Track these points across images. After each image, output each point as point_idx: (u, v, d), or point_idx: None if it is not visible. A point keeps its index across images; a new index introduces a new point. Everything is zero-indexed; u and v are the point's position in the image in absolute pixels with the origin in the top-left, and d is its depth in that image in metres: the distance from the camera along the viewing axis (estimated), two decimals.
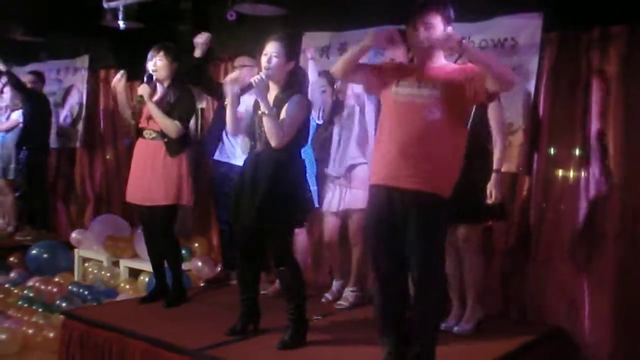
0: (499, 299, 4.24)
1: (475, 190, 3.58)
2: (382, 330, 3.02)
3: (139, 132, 4.22)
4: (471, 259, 3.73)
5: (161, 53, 4.13)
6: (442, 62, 2.95)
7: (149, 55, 4.16)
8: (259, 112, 3.28)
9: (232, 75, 4.31)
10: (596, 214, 3.93)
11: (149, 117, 4.13)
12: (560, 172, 4.10)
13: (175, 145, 4.13)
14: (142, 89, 4.08)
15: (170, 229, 4.26)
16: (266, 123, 3.23)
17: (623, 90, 3.82)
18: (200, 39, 4.24)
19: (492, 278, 4.23)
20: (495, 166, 3.62)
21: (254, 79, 3.24)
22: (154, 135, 4.14)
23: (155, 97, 4.13)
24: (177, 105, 4.12)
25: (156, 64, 4.11)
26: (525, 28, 4.13)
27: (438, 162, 2.82)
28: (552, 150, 4.12)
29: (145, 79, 4.10)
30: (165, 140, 4.11)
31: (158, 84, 4.17)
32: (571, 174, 4.05)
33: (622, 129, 3.83)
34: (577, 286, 3.98)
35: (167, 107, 4.10)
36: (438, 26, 2.84)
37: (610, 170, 3.87)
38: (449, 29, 2.87)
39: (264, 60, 3.30)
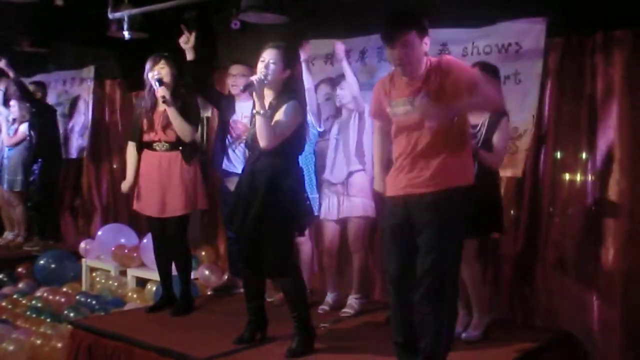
0: (507, 305, 4.23)
1: (489, 205, 3.55)
2: (395, 330, 3.03)
3: (147, 145, 4.18)
4: (468, 271, 3.62)
5: (162, 61, 4.12)
6: (423, 68, 2.92)
7: (148, 66, 4.14)
8: (253, 111, 3.27)
9: None
10: (604, 218, 3.91)
11: (163, 127, 4.10)
12: (566, 176, 4.09)
13: (189, 152, 4.17)
14: (163, 91, 4.04)
15: (185, 237, 4.28)
16: (258, 123, 3.22)
17: (628, 93, 3.82)
18: (183, 41, 4.10)
19: (500, 283, 4.23)
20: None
21: (255, 78, 3.23)
22: (166, 146, 4.14)
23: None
24: (185, 110, 4.10)
25: (160, 72, 4.10)
26: (529, 33, 4.14)
27: (446, 161, 2.90)
28: (558, 155, 4.11)
29: (157, 84, 4.06)
30: (180, 148, 4.12)
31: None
32: (578, 177, 4.04)
33: (628, 132, 3.82)
34: (585, 291, 3.96)
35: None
36: (414, 42, 2.86)
37: (616, 174, 3.86)
38: (426, 41, 2.90)
39: (261, 66, 3.31)
